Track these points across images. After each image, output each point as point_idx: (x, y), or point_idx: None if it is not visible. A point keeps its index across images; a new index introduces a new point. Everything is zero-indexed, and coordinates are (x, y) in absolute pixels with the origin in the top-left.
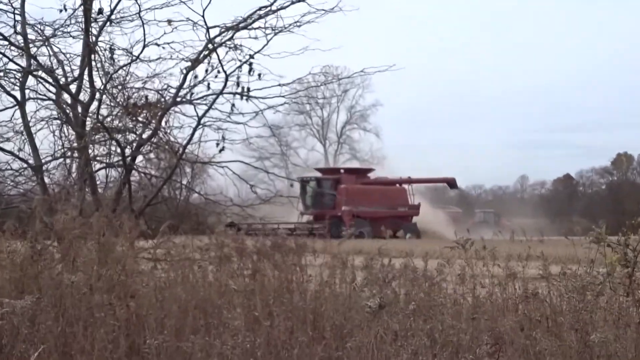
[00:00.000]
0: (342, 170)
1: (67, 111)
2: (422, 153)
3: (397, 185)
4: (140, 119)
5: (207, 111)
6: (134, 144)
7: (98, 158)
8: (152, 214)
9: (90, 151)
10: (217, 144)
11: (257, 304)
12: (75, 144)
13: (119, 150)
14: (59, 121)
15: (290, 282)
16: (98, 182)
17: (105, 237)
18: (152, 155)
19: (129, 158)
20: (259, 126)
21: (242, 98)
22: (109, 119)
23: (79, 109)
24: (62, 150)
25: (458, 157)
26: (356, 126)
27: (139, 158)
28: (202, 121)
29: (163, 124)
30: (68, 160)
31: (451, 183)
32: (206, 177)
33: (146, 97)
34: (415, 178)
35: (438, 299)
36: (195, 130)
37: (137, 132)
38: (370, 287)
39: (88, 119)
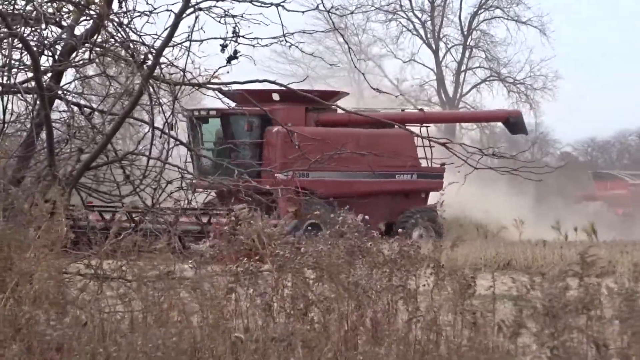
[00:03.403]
0: (275, 96)
1: None
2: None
3: (395, 127)
4: None
5: None
6: (58, 48)
7: None
8: (95, 187)
9: None
10: (224, 47)
11: None
12: None
13: (28, 59)
14: None
15: (376, 323)
16: None
17: (4, 232)
18: (91, 71)
19: (49, 75)
20: (307, 10)
21: None
22: None
23: None
24: None
25: None
26: (501, 14)
27: (69, 75)
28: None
29: (115, 6)
30: None
31: (511, 122)
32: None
33: None
34: (434, 112)
35: None
36: (179, 18)
37: (64, 24)
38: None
39: None
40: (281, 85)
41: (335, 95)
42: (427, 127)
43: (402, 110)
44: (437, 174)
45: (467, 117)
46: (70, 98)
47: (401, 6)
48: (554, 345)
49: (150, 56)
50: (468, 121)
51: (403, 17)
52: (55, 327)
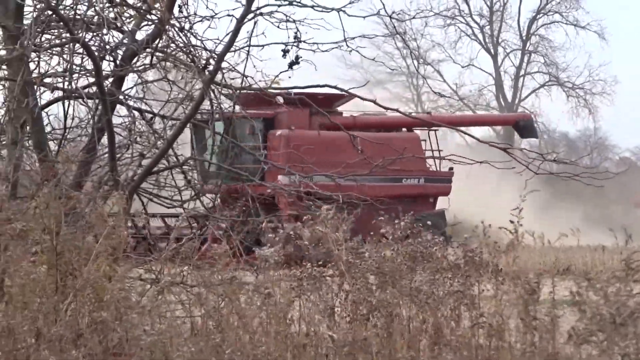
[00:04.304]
0: (279, 99)
1: None
2: None
3: (404, 130)
4: (130, 1)
5: None
6: (119, 53)
7: (48, 80)
8: (156, 192)
9: (32, 65)
10: (285, 52)
11: None
12: (1, 52)
13: (90, 64)
14: None
15: (438, 328)
16: (48, 129)
17: (65, 238)
18: (150, 76)
19: (110, 80)
20: (368, 15)
21: None
22: (68, 0)
23: None
24: None
25: None
26: (559, 18)
27: (130, 80)
28: (254, 4)
29: (176, 11)
30: None
31: (521, 125)
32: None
33: None
34: (441, 115)
35: None
36: (241, 23)
37: (126, 29)
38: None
39: (28, 0)
40: (342, 90)
41: (345, 97)
42: (435, 130)
43: (410, 114)
44: (445, 178)
45: (476, 120)
46: (131, 103)
47: (460, 11)
48: (625, 353)
49: (211, 61)
50: (477, 124)
51: (462, 22)
52: (116, 332)
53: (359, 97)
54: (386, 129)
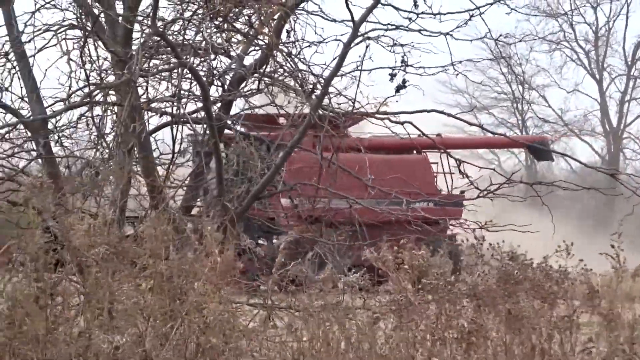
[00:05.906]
0: (282, 119)
1: (94, 11)
2: None
3: (413, 152)
4: (238, 26)
5: (373, 7)
6: (227, 78)
7: (155, 105)
8: (263, 217)
9: (140, 90)
10: (392, 76)
11: None
12: (110, 77)
13: (198, 89)
14: (79, 31)
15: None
16: (156, 154)
17: (173, 262)
18: (257, 101)
19: (218, 105)
20: (474, 39)
21: None
22: (176, 26)
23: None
24: (85, 89)
25: None
26: None
27: (238, 105)
28: (361, 29)
29: (284, 36)
30: (97, 111)
31: (536, 148)
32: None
33: None
34: (451, 138)
35: None
36: (348, 48)
37: (233, 55)
38: None
39: (137, 26)
40: (449, 114)
41: (351, 119)
42: (447, 152)
43: (419, 135)
44: (456, 201)
45: (486, 143)
46: (240, 129)
47: (565, 36)
48: None
49: (318, 86)
50: (488, 147)
51: (567, 47)
52: (225, 356)
53: (465, 121)
54: (391, 151)
